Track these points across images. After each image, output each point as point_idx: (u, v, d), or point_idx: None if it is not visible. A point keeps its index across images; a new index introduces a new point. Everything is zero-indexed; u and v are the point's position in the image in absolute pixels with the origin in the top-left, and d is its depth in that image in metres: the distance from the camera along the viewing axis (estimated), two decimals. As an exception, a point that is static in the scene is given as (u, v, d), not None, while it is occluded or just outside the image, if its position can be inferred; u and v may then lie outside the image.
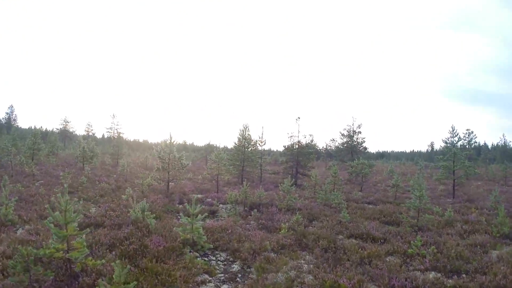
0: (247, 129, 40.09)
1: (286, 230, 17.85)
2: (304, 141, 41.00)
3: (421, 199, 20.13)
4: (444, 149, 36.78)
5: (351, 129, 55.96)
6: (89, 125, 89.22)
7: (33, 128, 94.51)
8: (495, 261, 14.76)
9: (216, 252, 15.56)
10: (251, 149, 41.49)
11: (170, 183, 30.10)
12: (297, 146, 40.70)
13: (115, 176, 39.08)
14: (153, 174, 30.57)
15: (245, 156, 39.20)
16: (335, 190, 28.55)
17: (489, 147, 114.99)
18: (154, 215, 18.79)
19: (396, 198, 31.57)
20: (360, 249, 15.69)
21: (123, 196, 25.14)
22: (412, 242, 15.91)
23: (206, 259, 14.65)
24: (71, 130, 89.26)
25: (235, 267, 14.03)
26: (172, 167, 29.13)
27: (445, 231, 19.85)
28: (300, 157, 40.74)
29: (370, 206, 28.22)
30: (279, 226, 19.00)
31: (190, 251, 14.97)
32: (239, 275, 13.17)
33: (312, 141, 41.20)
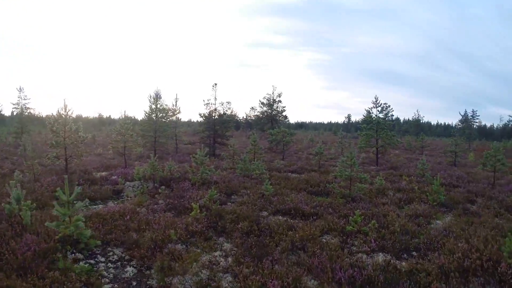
0: (158, 96, 35.79)
1: (198, 211, 14.27)
2: (221, 109, 37.41)
3: (353, 168, 17.38)
4: (367, 118, 34.87)
5: (271, 97, 53.18)
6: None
7: None
8: (444, 233, 12.67)
9: (109, 249, 11.70)
10: (164, 119, 37.37)
11: (69, 161, 25.25)
12: (214, 114, 36.99)
13: (15, 158, 32.98)
14: (47, 153, 25.70)
15: (157, 127, 34.95)
16: (255, 160, 25.39)
17: (401, 121, 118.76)
18: (35, 205, 14.31)
19: (320, 166, 29.11)
20: (289, 230, 12.59)
21: (11, 181, 20.31)
22: (350, 217, 12.96)
23: (92, 261, 10.78)
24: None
25: (130, 270, 10.32)
26: (70, 142, 24.34)
27: (379, 201, 17.59)
28: (218, 125, 37.16)
29: (294, 175, 25.47)
30: (190, 206, 15.42)
31: (72, 253, 11.04)
32: (134, 283, 9.48)
33: (230, 109, 37.74)
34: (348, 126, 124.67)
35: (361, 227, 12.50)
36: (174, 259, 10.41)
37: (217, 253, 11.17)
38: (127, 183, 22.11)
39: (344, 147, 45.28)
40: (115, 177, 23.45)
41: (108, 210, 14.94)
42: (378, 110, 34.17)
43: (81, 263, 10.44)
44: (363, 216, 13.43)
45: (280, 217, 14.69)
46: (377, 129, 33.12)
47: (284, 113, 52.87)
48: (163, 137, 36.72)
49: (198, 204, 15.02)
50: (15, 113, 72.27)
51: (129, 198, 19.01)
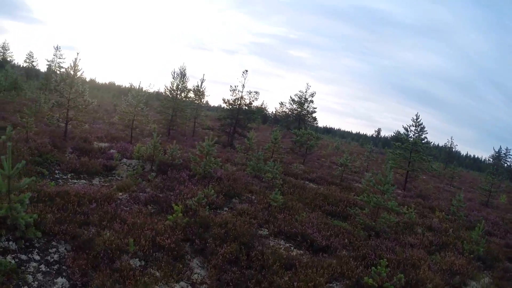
0: (183, 73, 32.62)
1: (181, 214, 11.02)
2: (248, 98, 33.86)
3: (386, 195, 13.85)
4: (403, 137, 30.99)
5: (303, 96, 48.19)
6: (30, 55, 74.53)
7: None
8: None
9: (53, 243, 8.87)
10: (185, 98, 34.29)
11: (69, 125, 22.35)
12: (239, 102, 33.56)
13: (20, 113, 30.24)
14: (48, 113, 23.00)
15: (176, 105, 31.85)
16: (272, 160, 22.08)
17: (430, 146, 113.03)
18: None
19: (343, 179, 25.57)
20: (288, 269, 9.33)
21: (2, 136, 17.67)
22: (373, 269, 9.44)
23: (24, 257, 7.94)
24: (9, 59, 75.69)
25: (61, 282, 7.34)
26: (74, 105, 21.45)
27: (406, 239, 14.08)
28: (241, 115, 33.77)
29: (312, 185, 22.09)
30: (175, 203, 12.26)
31: (7, 240, 8.15)
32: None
33: (257, 99, 34.02)
34: (376, 140, 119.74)
35: (383, 282, 9.06)
36: (120, 281, 7.33)
37: (180, 285, 7.98)
38: (124, 160, 19.35)
39: (370, 162, 41.50)
40: (114, 151, 20.59)
41: (78, 190, 12.13)
42: (416, 130, 30.23)
43: (8, 256, 7.75)
44: (387, 263, 9.91)
45: (282, 242, 11.52)
46: (412, 151, 29.32)
47: (314, 115, 48.60)
48: (181, 117, 33.68)
49: (184, 204, 11.87)
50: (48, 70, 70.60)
51: (119, 178, 16.63)
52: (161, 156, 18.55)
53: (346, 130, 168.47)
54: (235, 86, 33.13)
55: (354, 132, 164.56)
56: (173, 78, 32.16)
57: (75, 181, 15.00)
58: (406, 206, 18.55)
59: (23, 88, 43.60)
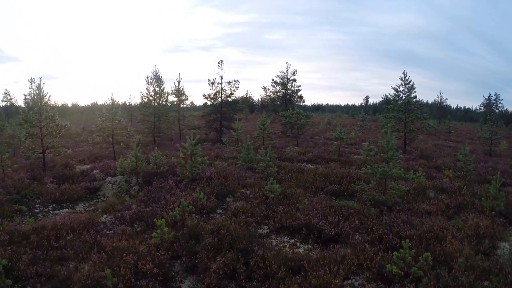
0: (157, 76, 30.93)
1: (166, 228, 9.53)
2: (228, 89, 32.18)
3: (390, 162, 12.34)
4: (394, 98, 29.35)
5: (285, 76, 46.07)
6: (6, 93, 72.81)
7: None
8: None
9: None
10: (164, 102, 32.70)
11: (48, 154, 20.84)
12: (220, 94, 31.91)
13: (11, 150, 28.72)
14: (23, 144, 21.51)
15: (156, 111, 30.19)
16: (263, 147, 20.58)
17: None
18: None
19: (340, 154, 24.11)
20: (296, 273, 7.87)
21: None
22: (395, 254, 7.96)
23: None
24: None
25: None
26: (47, 132, 19.92)
27: (420, 207, 12.63)
28: (225, 107, 32.15)
29: (310, 166, 20.63)
30: (161, 216, 10.80)
31: None
32: None
33: (237, 88, 32.28)
34: (366, 109, 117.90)
35: (409, 267, 7.62)
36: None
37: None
38: (109, 178, 17.99)
39: (365, 131, 40.01)
40: (97, 171, 19.26)
41: (55, 223, 11.12)
42: (407, 89, 28.67)
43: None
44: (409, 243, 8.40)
45: (286, 239, 10.07)
46: (406, 111, 27.77)
47: (299, 93, 46.65)
48: (165, 122, 32.05)
49: (170, 214, 10.42)
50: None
51: (105, 199, 15.50)
52: (145, 167, 17.08)
53: (334, 104, 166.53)
54: (213, 79, 31.49)
55: (342, 104, 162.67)
56: (148, 84, 30.51)
57: (57, 211, 14.03)
58: (412, 171, 17.15)
59: (3, 127, 42.18)
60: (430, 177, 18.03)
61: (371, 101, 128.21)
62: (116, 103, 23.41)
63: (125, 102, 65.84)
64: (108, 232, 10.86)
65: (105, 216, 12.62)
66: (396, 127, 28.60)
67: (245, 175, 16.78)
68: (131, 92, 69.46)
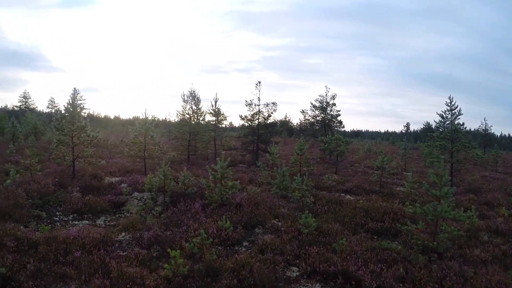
0: (193, 95, 30.20)
1: (181, 260, 8.25)
2: (266, 111, 31.13)
3: (444, 200, 10.65)
4: (439, 125, 27.30)
5: (324, 100, 43.60)
6: (51, 101, 75.64)
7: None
8: None
9: None
10: (201, 121, 31.86)
11: (80, 163, 20.77)
12: (257, 116, 30.82)
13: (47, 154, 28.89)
14: (54, 151, 21.13)
15: (191, 129, 29.34)
16: (299, 175, 19.15)
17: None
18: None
19: (382, 185, 22.37)
20: None
21: (7, 181, 16.32)
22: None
23: None
24: (32, 107, 76.56)
25: None
26: (78, 141, 19.58)
27: (473, 252, 10.99)
28: (261, 129, 30.99)
29: (349, 197, 19.11)
30: (179, 244, 9.68)
31: None
32: None
33: (275, 110, 31.01)
34: (406, 136, 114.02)
35: None
36: None
37: None
38: (136, 193, 17.43)
39: (407, 160, 37.78)
40: (125, 185, 18.64)
41: (68, 235, 10.51)
42: (453, 114, 26.13)
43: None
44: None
45: (318, 286, 8.50)
46: (452, 139, 25.68)
47: (339, 118, 44.08)
48: (200, 141, 31.17)
49: (187, 245, 9.18)
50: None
51: (128, 215, 14.85)
52: (173, 186, 16.04)
53: (374, 130, 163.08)
54: (251, 101, 30.48)
55: (382, 131, 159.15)
56: (184, 101, 29.80)
57: (77, 222, 13.62)
58: (462, 209, 15.33)
59: (44, 132, 42.79)
60: (481, 215, 16.13)
61: (411, 128, 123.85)
62: (149, 118, 22.60)
63: (165, 118, 66.19)
64: (122, 254, 9.97)
65: (123, 234, 12.08)
66: (441, 157, 26.59)
67: (278, 203, 15.42)
68: (170, 109, 70.15)
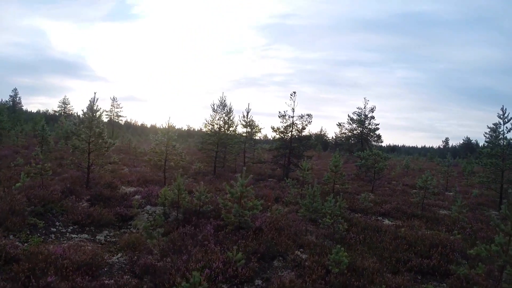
0: (223, 103, 28.02)
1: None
2: (300, 123, 28.68)
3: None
4: (491, 140, 23.56)
5: (362, 113, 40.32)
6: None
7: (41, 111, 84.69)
8: None
9: None
10: (230, 132, 29.79)
11: (99, 170, 19.12)
12: (291, 128, 28.39)
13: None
14: (70, 157, 19.56)
15: (220, 140, 27.25)
16: (333, 194, 16.64)
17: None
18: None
19: (424, 207, 19.55)
20: None
21: (17, 184, 14.62)
22: None
23: None
24: (70, 112, 77.47)
25: None
26: (94, 147, 17.88)
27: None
28: (295, 143, 28.53)
29: (387, 221, 16.53)
30: (173, 280, 7.54)
31: None
32: None
33: (310, 123, 28.47)
34: (444, 151, 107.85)
35: None
36: None
37: None
38: (148, 207, 15.68)
39: (450, 178, 34.14)
40: (139, 196, 16.97)
41: (52, 252, 8.91)
42: (507, 128, 21.94)
43: None
44: None
45: None
46: (504, 157, 22.18)
47: (377, 132, 40.75)
48: (229, 153, 29.06)
49: (185, 284, 6.99)
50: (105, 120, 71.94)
51: (135, 231, 13.21)
52: (187, 202, 13.94)
53: (410, 145, 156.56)
54: (284, 112, 28.07)
55: (419, 146, 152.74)
56: (214, 111, 27.64)
57: (75, 235, 12.02)
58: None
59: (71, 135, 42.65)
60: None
61: (450, 143, 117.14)
62: (173, 126, 20.70)
63: (200, 128, 65.06)
64: (106, 282, 8.17)
65: (119, 255, 10.38)
66: (491, 176, 23.27)
67: (305, 229, 13.00)
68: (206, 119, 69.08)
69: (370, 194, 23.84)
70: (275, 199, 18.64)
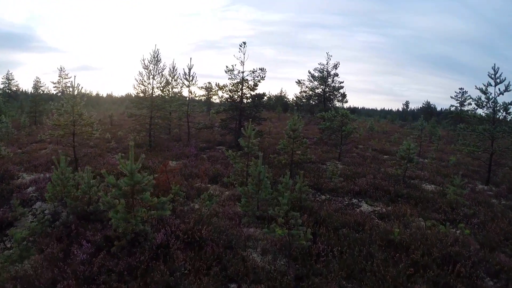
0: (157, 58, 21.49)
1: None
2: (251, 79, 22.72)
3: None
4: (479, 102, 18.95)
5: (325, 69, 32.96)
6: (37, 81, 68.96)
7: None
8: None
9: None
10: (169, 93, 24.07)
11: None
12: (241, 86, 22.69)
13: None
14: None
15: (153, 103, 21.24)
16: (289, 171, 11.49)
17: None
18: None
19: (406, 182, 14.86)
20: None
21: None
22: None
23: None
24: (15, 89, 69.20)
25: None
26: None
27: None
28: (247, 103, 22.97)
29: (365, 206, 11.61)
30: None
31: None
32: None
33: (263, 78, 22.71)
34: (404, 114, 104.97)
35: None
36: None
37: None
38: (38, 204, 10.67)
39: (423, 144, 29.19)
40: (33, 188, 12.10)
41: None
42: (499, 90, 17.38)
43: None
44: None
45: None
46: (495, 122, 17.87)
47: (341, 91, 33.69)
48: (164, 118, 23.12)
49: None
50: (54, 92, 64.77)
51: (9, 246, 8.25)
52: (71, 199, 8.56)
53: (370, 108, 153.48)
54: (233, 66, 22.22)
55: (378, 109, 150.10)
56: (145, 68, 21.20)
57: None
58: None
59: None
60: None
61: (411, 107, 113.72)
62: (81, 91, 14.76)
63: (80, 86, 59.46)
64: None
65: None
66: (477, 145, 18.73)
67: (245, 238, 7.75)
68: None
69: (337, 162, 18.99)
70: (213, 176, 13.40)
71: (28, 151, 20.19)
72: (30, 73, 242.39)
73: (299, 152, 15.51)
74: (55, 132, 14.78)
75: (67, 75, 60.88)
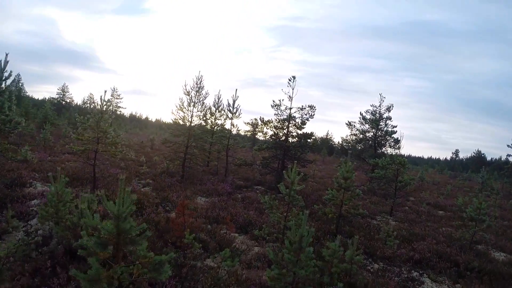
0: (200, 86, 19.77)
1: None
2: (299, 116, 20.74)
3: None
4: None
5: (377, 111, 29.82)
6: (90, 97, 71.43)
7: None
8: None
9: None
10: (211, 124, 22.39)
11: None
12: (287, 123, 20.59)
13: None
14: None
15: (190, 133, 19.41)
16: (337, 234, 9.07)
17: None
18: None
19: (473, 249, 12.12)
20: None
21: None
22: None
23: None
24: (68, 100, 71.74)
25: None
26: None
27: None
28: (292, 142, 20.74)
29: (428, 283, 9.12)
30: None
31: None
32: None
33: (312, 116, 20.35)
34: (452, 163, 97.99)
35: None
36: None
37: None
38: (34, 221, 9.52)
39: (485, 198, 25.77)
40: (38, 201, 11.08)
41: None
42: None
43: None
44: None
45: None
46: None
47: (394, 135, 29.31)
48: (202, 149, 21.27)
49: None
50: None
51: None
52: (61, 229, 6.84)
53: (416, 155, 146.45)
54: (280, 101, 20.26)
55: (425, 157, 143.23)
56: (185, 93, 19.52)
57: None
58: None
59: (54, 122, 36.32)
60: None
61: (461, 156, 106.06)
62: (109, 107, 13.28)
63: (109, 102, 60.79)
64: None
65: None
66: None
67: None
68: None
69: (389, 218, 16.38)
70: (243, 225, 11.21)
71: (56, 160, 19.44)
72: (87, 89, 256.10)
73: (350, 204, 12.96)
74: (75, 146, 13.24)
75: (119, 95, 62.43)
